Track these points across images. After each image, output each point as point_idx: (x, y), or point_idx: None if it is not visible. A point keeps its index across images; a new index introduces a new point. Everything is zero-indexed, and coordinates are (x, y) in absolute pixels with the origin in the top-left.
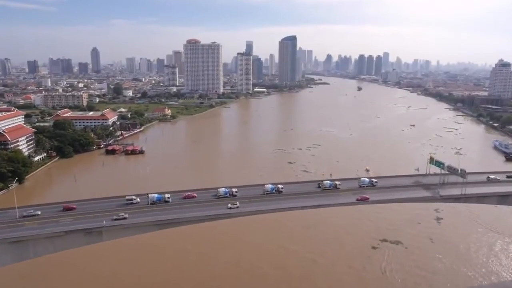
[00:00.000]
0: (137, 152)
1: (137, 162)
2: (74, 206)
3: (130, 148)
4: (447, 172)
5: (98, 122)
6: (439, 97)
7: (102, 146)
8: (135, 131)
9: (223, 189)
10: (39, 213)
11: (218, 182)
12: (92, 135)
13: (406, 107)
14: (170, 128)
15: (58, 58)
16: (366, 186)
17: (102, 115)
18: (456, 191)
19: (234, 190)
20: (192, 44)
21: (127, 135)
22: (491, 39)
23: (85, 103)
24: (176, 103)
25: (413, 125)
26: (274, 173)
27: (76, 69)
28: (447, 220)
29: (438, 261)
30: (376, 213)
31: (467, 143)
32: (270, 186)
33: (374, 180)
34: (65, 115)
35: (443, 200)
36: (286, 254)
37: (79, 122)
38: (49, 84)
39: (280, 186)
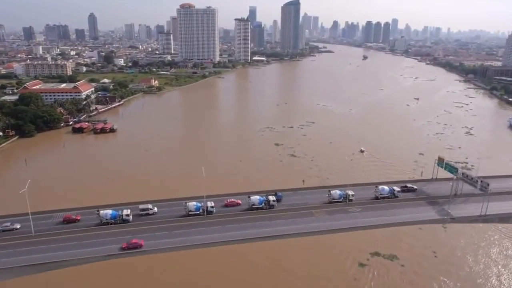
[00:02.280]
0: (107, 130)
1: (106, 143)
2: (78, 217)
3: (100, 126)
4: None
5: (70, 95)
6: (449, 67)
7: (71, 123)
8: (114, 105)
9: (194, 203)
10: (18, 227)
11: (189, 179)
12: (62, 110)
13: (413, 78)
14: (154, 102)
15: (54, 24)
16: (386, 196)
17: (75, 87)
18: (473, 209)
19: (209, 204)
20: (186, 9)
21: (103, 109)
22: (504, 5)
23: (69, 73)
24: (168, 72)
25: (418, 99)
26: (256, 158)
27: (73, 36)
28: (456, 224)
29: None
30: None
31: (479, 121)
32: (258, 198)
33: (397, 189)
34: (34, 87)
35: (455, 222)
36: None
37: (49, 96)
38: (41, 51)
39: (271, 198)
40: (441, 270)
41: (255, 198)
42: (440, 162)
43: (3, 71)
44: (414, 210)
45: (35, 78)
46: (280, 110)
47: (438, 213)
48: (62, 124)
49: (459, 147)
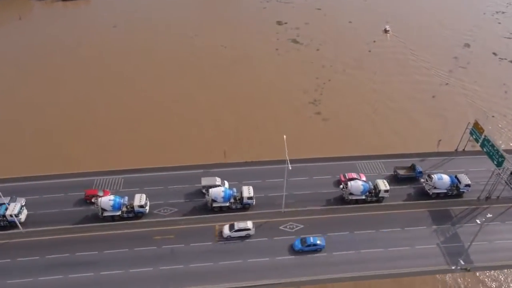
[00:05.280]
0: None
1: (70, 16)
2: (107, 194)
3: None
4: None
5: None
6: None
7: None
8: None
9: (113, 199)
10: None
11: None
12: None
13: None
14: None
15: None
16: (444, 192)
17: None
18: None
19: (140, 207)
20: None
21: None
22: None
23: None
24: None
25: None
26: (247, 44)
27: None
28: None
29: None
30: None
31: None
32: (223, 191)
33: (465, 181)
34: None
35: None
36: None
37: None
38: None
39: (246, 193)
40: None
41: (217, 192)
42: (476, 130)
43: None
44: (398, 236)
45: None
46: None
47: (443, 249)
48: None
49: None
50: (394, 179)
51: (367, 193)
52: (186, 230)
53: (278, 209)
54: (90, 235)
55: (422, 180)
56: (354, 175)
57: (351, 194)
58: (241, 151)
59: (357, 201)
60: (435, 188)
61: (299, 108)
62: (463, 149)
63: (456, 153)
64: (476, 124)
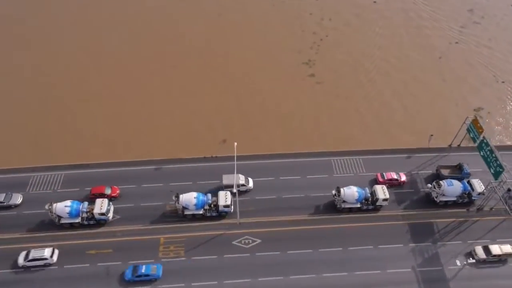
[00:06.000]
0: None
1: None
2: (115, 192)
3: None
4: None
5: None
6: None
7: None
8: None
9: (69, 205)
10: (19, 202)
11: None
12: None
13: None
14: None
15: None
16: (458, 198)
17: None
18: None
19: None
20: None
21: None
22: None
23: None
24: None
25: None
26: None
27: None
28: None
29: None
30: None
31: None
32: (195, 197)
33: (479, 187)
34: None
35: None
36: None
37: None
38: None
39: (223, 200)
40: None
41: (189, 198)
42: (474, 128)
43: None
44: (369, 256)
45: None
46: None
47: (419, 273)
48: None
49: None
50: (436, 179)
51: (363, 201)
52: (126, 243)
53: (234, 219)
54: (17, 247)
55: (429, 185)
56: (393, 174)
57: (344, 202)
58: (206, 140)
59: (351, 210)
60: (443, 195)
61: (291, 70)
62: (458, 145)
63: (450, 149)
64: (475, 121)
